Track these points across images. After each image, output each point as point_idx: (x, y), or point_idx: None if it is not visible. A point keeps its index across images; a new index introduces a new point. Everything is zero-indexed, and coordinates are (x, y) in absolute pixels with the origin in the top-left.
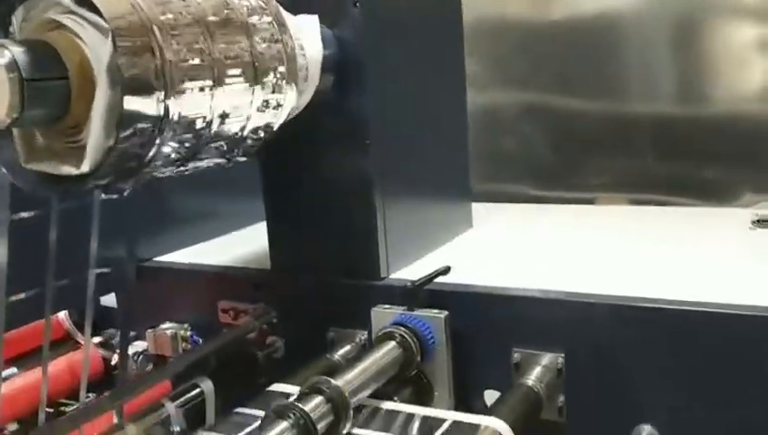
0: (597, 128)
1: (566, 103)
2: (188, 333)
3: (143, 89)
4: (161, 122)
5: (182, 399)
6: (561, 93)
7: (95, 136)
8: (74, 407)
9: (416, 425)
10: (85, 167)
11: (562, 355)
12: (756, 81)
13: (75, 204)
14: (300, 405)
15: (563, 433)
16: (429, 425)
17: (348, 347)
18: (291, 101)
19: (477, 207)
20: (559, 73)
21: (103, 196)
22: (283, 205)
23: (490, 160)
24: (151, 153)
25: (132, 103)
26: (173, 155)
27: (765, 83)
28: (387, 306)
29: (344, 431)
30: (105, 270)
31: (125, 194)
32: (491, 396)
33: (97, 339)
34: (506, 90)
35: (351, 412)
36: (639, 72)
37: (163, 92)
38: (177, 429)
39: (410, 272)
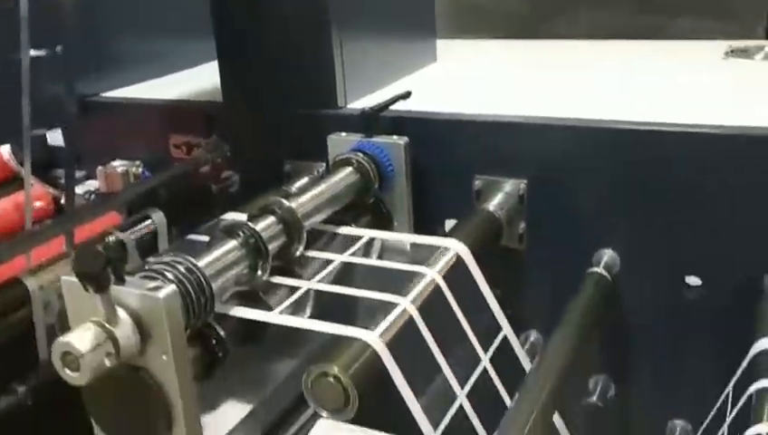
0: None
1: None
2: (140, 170)
3: None
4: None
5: (133, 229)
6: None
7: None
8: None
9: (375, 248)
10: None
11: (525, 181)
12: None
13: None
14: (250, 224)
15: (523, 260)
16: (388, 247)
17: (305, 180)
18: None
19: (443, 43)
20: None
21: None
22: (234, 33)
23: (464, 13)
24: None
25: None
26: None
27: None
28: (344, 134)
29: (297, 253)
30: (41, 53)
31: None
32: (451, 226)
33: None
34: None
35: (305, 234)
36: None
37: None
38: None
39: (368, 102)
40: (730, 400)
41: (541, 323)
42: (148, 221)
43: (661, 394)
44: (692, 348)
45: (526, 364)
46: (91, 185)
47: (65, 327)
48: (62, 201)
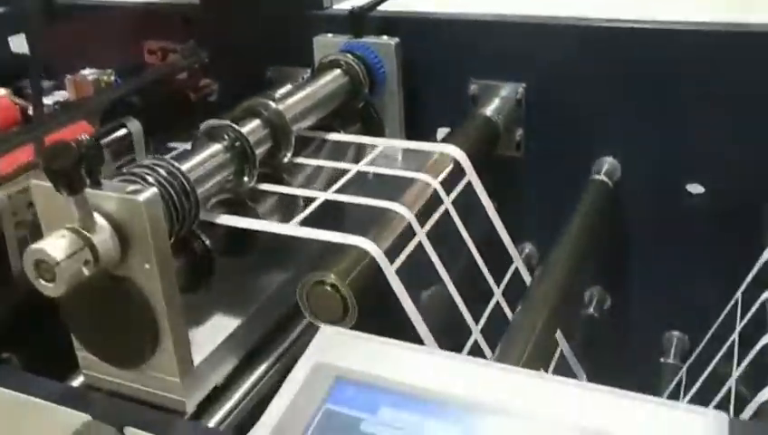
0: None
1: None
2: (112, 79)
3: None
4: None
5: (108, 139)
6: None
7: None
8: None
9: (368, 155)
10: None
11: (523, 85)
12: None
13: None
14: (235, 126)
15: (521, 169)
16: (382, 153)
17: (289, 87)
18: None
19: None
20: None
21: None
22: None
23: None
24: None
25: None
26: None
27: None
28: (330, 35)
29: (285, 159)
30: None
31: None
32: (445, 135)
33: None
34: None
35: (293, 139)
36: None
37: None
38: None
39: (356, 2)
40: (739, 308)
41: (537, 235)
42: (124, 130)
43: (658, 305)
44: (692, 258)
45: (526, 276)
46: (61, 95)
47: (38, 237)
48: (30, 112)
